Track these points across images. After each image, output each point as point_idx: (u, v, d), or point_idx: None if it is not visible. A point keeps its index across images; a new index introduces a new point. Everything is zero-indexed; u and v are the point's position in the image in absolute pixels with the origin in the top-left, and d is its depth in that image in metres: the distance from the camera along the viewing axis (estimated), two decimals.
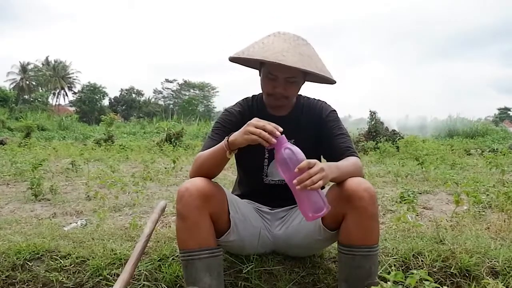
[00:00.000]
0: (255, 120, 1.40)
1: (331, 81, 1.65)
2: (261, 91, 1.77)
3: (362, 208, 1.43)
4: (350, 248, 1.48)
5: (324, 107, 1.76)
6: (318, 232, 1.57)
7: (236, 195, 1.79)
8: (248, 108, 1.77)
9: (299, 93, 1.79)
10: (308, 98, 1.81)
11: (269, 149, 1.48)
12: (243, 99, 1.82)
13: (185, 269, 1.50)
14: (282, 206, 1.76)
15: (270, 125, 1.37)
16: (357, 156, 1.62)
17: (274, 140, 1.35)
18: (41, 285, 1.79)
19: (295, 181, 1.30)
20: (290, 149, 1.36)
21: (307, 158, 1.49)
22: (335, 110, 1.77)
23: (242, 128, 1.43)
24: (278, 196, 1.74)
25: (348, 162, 1.54)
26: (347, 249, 1.49)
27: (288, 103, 1.70)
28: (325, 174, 1.33)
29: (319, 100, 1.80)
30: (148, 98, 59.36)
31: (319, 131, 1.72)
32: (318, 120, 1.73)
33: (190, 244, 1.47)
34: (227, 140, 1.46)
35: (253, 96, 1.83)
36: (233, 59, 1.65)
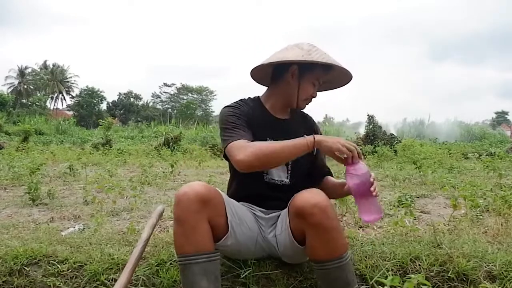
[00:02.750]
0: (347, 141, 1.55)
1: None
2: (254, 95, 1.84)
3: (317, 224, 1.40)
4: (321, 263, 1.48)
5: (313, 121, 1.94)
6: (291, 244, 1.58)
7: (231, 195, 1.79)
8: (251, 108, 1.75)
9: None
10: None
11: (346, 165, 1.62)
12: (240, 100, 1.79)
13: (182, 273, 1.49)
14: (277, 208, 1.76)
15: (358, 149, 1.57)
16: (332, 175, 1.88)
17: (358, 160, 1.56)
18: None
19: (373, 191, 1.54)
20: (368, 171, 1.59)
21: (305, 161, 1.75)
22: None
23: (331, 137, 1.55)
24: (275, 196, 1.75)
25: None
26: (318, 265, 1.49)
27: None
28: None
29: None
30: (146, 102, 59.36)
31: None
32: (311, 131, 1.80)
33: (187, 249, 1.46)
34: (314, 139, 1.51)
35: (248, 98, 1.83)
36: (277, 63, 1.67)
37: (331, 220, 1.41)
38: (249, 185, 1.78)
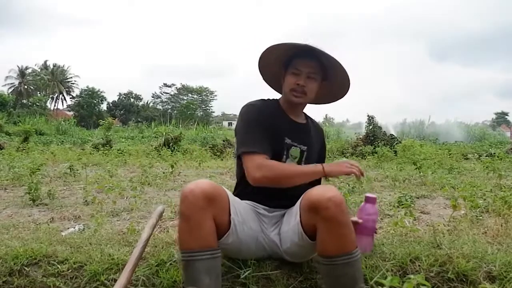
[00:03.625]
0: (349, 161, 1.71)
1: (345, 87, 1.88)
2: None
3: (330, 218, 1.42)
4: (329, 259, 1.48)
5: (322, 130, 2.05)
6: (301, 239, 1.58)
7: (239, 192, 1.82)
8: (270, 109, 1.83)
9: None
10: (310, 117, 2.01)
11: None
12: (264, 100, 1.88)
13: (184, 269, 1.50)
14: (281, 207, 1.78)
15: (360, 166, 1.69)
16: None
17: (364, 175, 1.71)
18: None
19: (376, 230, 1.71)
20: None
21: (314, 160, 1.86)
22: None
23: (335, 163, 1.70)
24: (283, 195, 1.75)
25: None
26: (327, 260, 1.49)
27: (305, 101, 1.84)
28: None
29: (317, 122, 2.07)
30: (147, 103, 59.42)
31: (320, 148, 1.97)
32: (321, 140, 1.99)
33: (191, 245, 1.47)
34: (323, 169, 1.65)
35: (269, 99, 1.90)
36: (265, 54, 1.80)
37: (344, 215, 1.45)
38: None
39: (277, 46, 1.78)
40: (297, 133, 1.83)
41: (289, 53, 1.80)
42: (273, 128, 1.76)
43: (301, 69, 1.76)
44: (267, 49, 1.79)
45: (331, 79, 1.85)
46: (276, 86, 1.98)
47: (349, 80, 1.83)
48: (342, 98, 1.98)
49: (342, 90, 1.92)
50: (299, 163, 1.81)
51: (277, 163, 1.69)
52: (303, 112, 1.95)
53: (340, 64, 1.75)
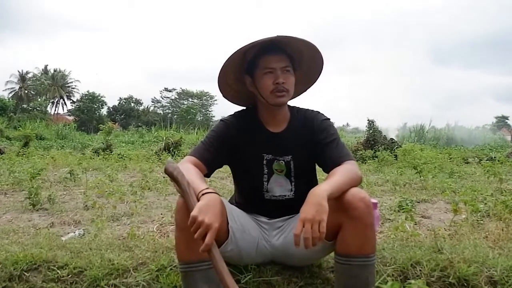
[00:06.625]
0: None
1: (318, 68, 1.76)
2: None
3: (358, 218, 1.44)
4: (347, 258, 1.49)
5: (316, 116, 1.76)
6: None
7: (236, 202, 1.81)
8: (246, 123, 1.74)
9: (292, 105, 1.81)
10: (303, 109, 1.81)
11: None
12: (240, 112, 1.79)
13: (183, 280, 1.50)
14: (281, 217, 1.77)
15: None
16: (351, 159, 1.63)
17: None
18: None
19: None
20: None
21: (305, 171, 1.74)
22: (328, 118, 1.77)
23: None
24: (278, 209, 1.75)
25: (342, 176, 1.51)
26: (344, 259, 1.50)
27: (288, 98, 1.68)
28: (316, 220, 1.34)
29: (312, 110, 1.80)
30: (147, 107, 59.45)
31: (311, 141, 1.71)
32: (310, 130, 1.73)
33: (188, 256, 1.47)
34: (198, 198, 1.42)
35: (247, 109, 1.81)
36: (222, 74, 1.68)
37: (371, 218, 1.46)
38: (251, 200, 1.78)
39: (237, 52, 1.60)
40: (276, 145, 1.72)
41: (247, 56, 1.66)
42: (249, 146, 1.71)
43: (274, 66, 1.61)
44: (228, 58, 1.61)
45: (301, 67, 1.73)
46: (239, 101, 1.83)
47: (319, 53, 1.69)
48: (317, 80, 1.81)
49: (316, 70, 1.78)
50: (288, 174, 1.72)
51: (190, 168, 1.57)
52: (288, 106, 1.78)
53: (307, 42, 1.64)
